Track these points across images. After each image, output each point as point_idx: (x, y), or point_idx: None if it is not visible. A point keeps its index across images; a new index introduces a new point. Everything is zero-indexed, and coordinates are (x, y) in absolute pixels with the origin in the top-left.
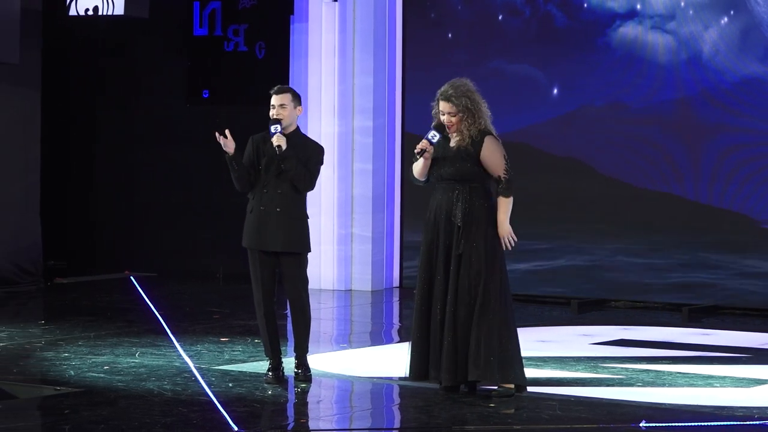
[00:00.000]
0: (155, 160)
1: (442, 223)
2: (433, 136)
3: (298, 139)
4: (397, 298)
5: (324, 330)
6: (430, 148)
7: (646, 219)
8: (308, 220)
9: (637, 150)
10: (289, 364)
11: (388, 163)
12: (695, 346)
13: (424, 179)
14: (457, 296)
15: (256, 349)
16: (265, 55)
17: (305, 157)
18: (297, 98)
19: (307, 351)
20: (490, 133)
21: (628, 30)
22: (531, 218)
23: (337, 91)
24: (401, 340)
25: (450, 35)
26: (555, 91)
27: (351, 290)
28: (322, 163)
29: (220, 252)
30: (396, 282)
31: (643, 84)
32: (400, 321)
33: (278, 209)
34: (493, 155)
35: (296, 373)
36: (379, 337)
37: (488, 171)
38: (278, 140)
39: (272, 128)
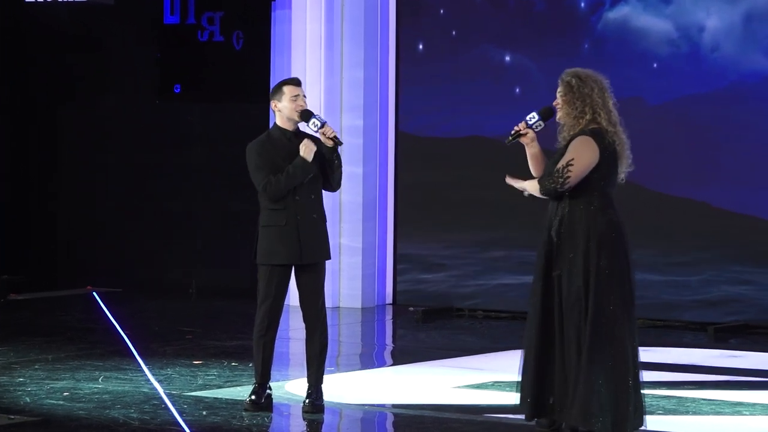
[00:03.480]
0: (122, 164)
1: (543, 237)
2: (532, 117)
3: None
4: (390, 316)
5: None
6: (526, 130)
7: (666, 228)
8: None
9: (654, 150)
10: (278, 389)
11: (380, 167)
12: (722, 369)
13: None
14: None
15: (232, 372)
16: (244, 45)
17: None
18: None
19: (322, 378)
20: (586, 133)
21: (637, 21)
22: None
23: (323, 86)
24: (394, 363)
25: (449, 26)
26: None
27: (339, 307)
28: None
29: (193, 265)
30: (389, 298)
31: (662, 79)
32: (393, 341)
33: (314, 215)
34: (567, 154)
35: (305, 403)
36: (370, 359)
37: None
38: (333, 132)
39: (312, 122)
